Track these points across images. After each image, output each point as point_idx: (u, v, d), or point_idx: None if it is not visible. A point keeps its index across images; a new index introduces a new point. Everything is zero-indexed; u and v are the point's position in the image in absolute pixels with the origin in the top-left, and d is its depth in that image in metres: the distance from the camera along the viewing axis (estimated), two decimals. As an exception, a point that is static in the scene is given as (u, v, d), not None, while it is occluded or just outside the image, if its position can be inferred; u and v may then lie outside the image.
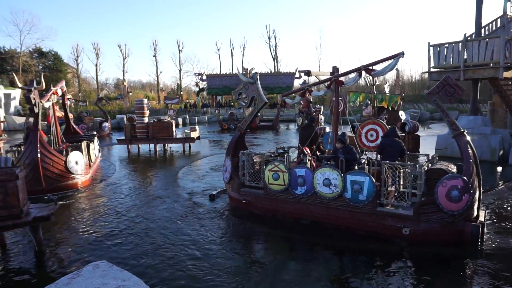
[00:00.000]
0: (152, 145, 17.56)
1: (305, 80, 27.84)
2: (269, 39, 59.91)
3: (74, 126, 15.66)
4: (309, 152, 7.72)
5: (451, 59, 13.61)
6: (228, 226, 7.29)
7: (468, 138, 6.00)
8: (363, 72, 7.47)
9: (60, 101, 14.38)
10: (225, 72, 54.63)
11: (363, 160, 6.73)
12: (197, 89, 49.07)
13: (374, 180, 6.32)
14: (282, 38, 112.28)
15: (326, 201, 6.82)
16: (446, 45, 13.64)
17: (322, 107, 22.21)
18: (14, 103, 38.31)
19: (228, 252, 5.91)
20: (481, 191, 6.23)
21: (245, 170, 8.08)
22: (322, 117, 16.80)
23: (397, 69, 25.61)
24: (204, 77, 42.81)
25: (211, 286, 4.82)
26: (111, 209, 8.35)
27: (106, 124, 26.13)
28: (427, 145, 14.63)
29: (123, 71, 58.21)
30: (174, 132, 17.29)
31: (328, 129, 12.91)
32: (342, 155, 6.83)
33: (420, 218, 5.90)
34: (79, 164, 10.39)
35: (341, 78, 7.99)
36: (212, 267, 5.35)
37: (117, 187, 10.50)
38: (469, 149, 5.91)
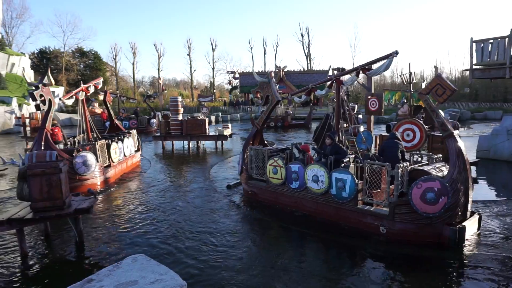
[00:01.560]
0: (185, 142, 17.92)
1: (356, 77, 27.23)
2: (302, 36, 59.44)
3: (117, 123, 15.50)
4: (309, 149, 7.99)
5: (496, 56, 12.87)
6: (244, 218, 7.46)
7: (459, 140, 5.90)
8: (359, 72, 7.61)
9: (104, 97, 14.80)
10: (257, 70, 54.78)
11: (348, 159, 6.78)
12: (229, 87, 49.55)
13: (356, 178, 6.49)
14: (316, 36, 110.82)
15: (315, 196, 7.23)
16: (491, 41, 12.89)
17: (356, 106, 21.69)
18: (57, 100, 40.30)
19: (254, 251, 5.94)
20: (470, 195, 5.98)
21: (252, 163, 8.66)
22: (361, 116, 16.38)
23: (435, 66, 24.55)
24: (237, 75, 43.17)
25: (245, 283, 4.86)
26: (145, 203, 8.61)
27: (154, 121, 26.96)
28: (469, 147, 13.95)
29: (158, 69, 59.83)
30: (207, 130, 17.55)
31: (362, 128, 12.61)
32: (329, 152, 7.20)
33: (395, 218, 5.97)
34: (89, 165, 9.63)
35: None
36: (242, 267, 5.39)
37: (151, 182, 10.81)
38: (458, 152, 5.79)
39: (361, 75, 8.10)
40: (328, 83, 8.69)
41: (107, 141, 11.21)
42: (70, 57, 52.07)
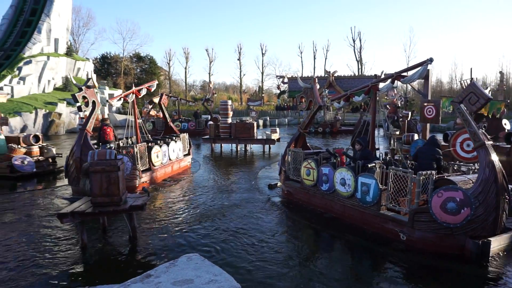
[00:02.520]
0: (234, 145, 18.22)
1: (391, 84, 26.19)
2: (354, 41, 58.08)
3: (171, 125, 15.24)
4: (342, 154, 8.22)
5: None
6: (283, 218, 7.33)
7: (492, 151, 5.66)
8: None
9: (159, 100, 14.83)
10: (306, 75, 54.42)
11: (373, 164, 6.82)
12: (278, 91, 49.66)
13: (380, 184, 6.54)
14: (368, 40, 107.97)
15: (342, 199, 7.41)
16: None
17: (410, 113, 20.75)
18: (114, 103, 42.90)
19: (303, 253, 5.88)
20: (505, 209, 5.66)
21: (290, 165, 9.06)
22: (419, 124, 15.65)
23: (501, 72, 22.76)
24: (286, 80, 43.14)
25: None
26: (192, 202, 8.86)
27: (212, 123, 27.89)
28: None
29: (209, 73, 61.49)
30: (255, 133, 17.71)
31: (416, 137, 12.03)
32: (358, 156, 7.31)
33: (414, 225, 5.90)
34: (125, 168, 8.98)
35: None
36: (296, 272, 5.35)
37: (199, 183, 11.12)
38: (488, 163, 5.55)
39: (415, 82, 7.88)
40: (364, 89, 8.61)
41: (149, 144, 10.96)
42: (128, 61, 55.27)
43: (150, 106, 29.83)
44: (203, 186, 10.64)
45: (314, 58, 62.57)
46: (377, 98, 8.52)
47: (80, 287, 3.81)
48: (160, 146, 11.38)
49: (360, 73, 54.46)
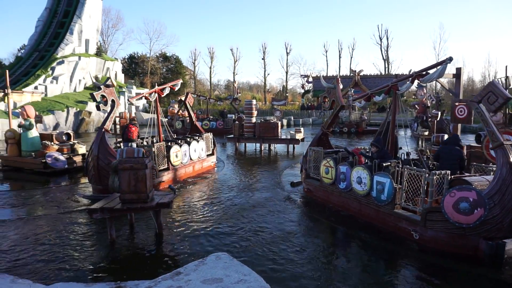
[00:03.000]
0: (258, 144, 18.24)
1: (420, 84, 25.40)
2: (381, 39, 56.83)
3: (197, 124, 14.92)
4: (359, 155, 8.22)
5: None
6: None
7: (510, 152, 5.53)
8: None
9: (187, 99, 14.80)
10: (331, 74, 53.79)
11: (389, 163, 6.95)
12: (302, 91, 49.32)
13: (395, 183, 6.60)
14: (395, 38, 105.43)
15: (359, 198, 7.51)
16: None
17: (440, 113, 20.11)
18: (143, 101, 43.88)
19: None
20: None
21: (311, 163, 9.30)
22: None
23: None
24: (310, 79, 42.77)
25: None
26: (218, 201, 8.93)
27: None
28: None
29: (233, 73, 61.85)
30: (280, 133, 17.66)
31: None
32: (375, 156, 7.38)
33: (427, 224, 5.91)
34: None
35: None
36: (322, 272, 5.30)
37: (223, 181, 11.20)
38: (505, 164, 5.43)
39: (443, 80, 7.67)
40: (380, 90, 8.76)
41: (168, 144, 10.90)
42: (155, 61, 56.36)
43: (176, 105, 30.28)
44: (226, 185, 10.71)
45: (340, 57, 61.79)
46: (399, 97, 8.43)
47: (109, 282, 3.90)
48: (180, 146, 11.29)
49: (387, 72, 53.26)
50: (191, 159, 11.90)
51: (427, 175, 6.01)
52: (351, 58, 61.43)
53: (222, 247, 6.09)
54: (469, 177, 6.07)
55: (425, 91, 22.20)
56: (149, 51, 57.39)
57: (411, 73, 10.52)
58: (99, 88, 9.23)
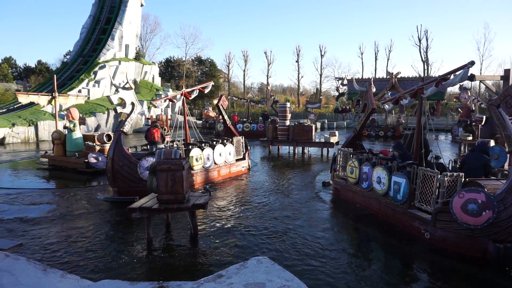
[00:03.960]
0: (291, 147, 18.13)
1: (464, 86, 24.22)
2: (420, 40, 54.88)
3: (231, 127, 14.66)
4: (379, 157, 8.36)
5: None
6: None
7: None
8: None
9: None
10: (367, 76, 52.59)
11: (405, 163, 7.16)
12: (336, 93, 48.57)
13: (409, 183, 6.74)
14: (436, 39, 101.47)
15: (378, 197, 7.70)
16: None
17: (484, 117, 19.09)
18: (178, 104, 44.94)
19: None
20: None
21: (339, 163, 9.70)
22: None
23: None
24: (345, 82, 42.04)
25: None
26: (251, 203, 8.93)
27: None
28: None
29: (267, 75, 61.98)
30: (314, 136, 17.47)
31: (492, 143, 10.99)
32: (399, 160, 7.56)
33: (437, 224, 6.03)
34: None
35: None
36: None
37: (257, 184, 11.19)
38: None
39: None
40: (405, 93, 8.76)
41: (189, 147, 10.64)
42: (190, 65, 57.67)
43: (211, 108, 30.75)
44: (259, 187, 10.71)
45: (376, 59, 60.36)
46: (424, 101, 8.30)
47: (152, 281, 3.98)
48: (202, 150, 10.90)
49: (426, 74, 51.33)
50: (215, 163, 11.36)
51: (439, 176, 6.07)
52: (387, 60, 59.76)
53: (257, 251, 6.07)
54: (484, 181, 6.16)
55: (469, 93, 21.18)
56: (184, 55, 58.80)
57: (452, 75, 10.13)
58: (117, 91, 9.43)
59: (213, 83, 14.57)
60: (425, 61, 54.85)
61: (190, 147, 10.78)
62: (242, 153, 12.98)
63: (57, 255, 5.86)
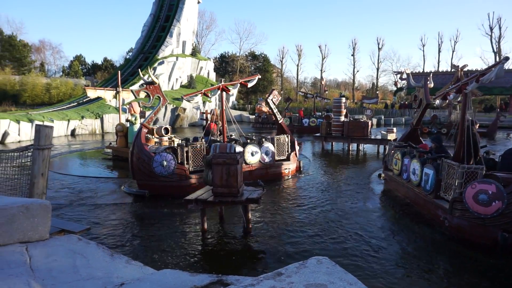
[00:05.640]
0: (345, 144, 17.65)
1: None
2: (491, 29, 50.44)
3: (282, 125, 13.01)
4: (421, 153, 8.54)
5: None
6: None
7: None
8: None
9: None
10: (429, 69, 49.55)
11: (435, 156, 7.62)
12: (394, 88, 46.41)
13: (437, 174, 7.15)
14: (510, 27, 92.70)
15: (414, 187, 8.14)
16: None
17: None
18: (232, 99, 45.79)
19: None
20: None
21: (389, 156, 10.15)
22: None
23: None
24: (404, 76, 39.99)
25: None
26: (305, 200, 8.81)
27: None
28: None
29: (321, 70, 60.88)
30: (369, 133, 16.85)
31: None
32: (433, 152, 8.03)
33: (453, 212, 6.34)
34: (167, 166, 8.93)
35: None
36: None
37: (309, 181, 11.01)
38: None
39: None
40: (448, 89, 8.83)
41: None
42: (244, 60, 58.36)
43: (263, 103, 30.88)
44: (311, 185, 10.52)
45: (439, 51, 56.63)
46: (468, 96, 8.24)
47: (211, 274, 4.09)
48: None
49: (497, 67, 47.10)
50: (246, 163, 10.25)
51: (458, 168, 6.39)
52: (452, 52, 55.88)
53: (312, 250, 5.97)
54: (506, 174, 6.34)
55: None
56: (239, 50, 59.68)
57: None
58: (143, 86, 9.39)
59: (260, 77, 14.09)
60: (497, 52, 50.31)
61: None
62: (287, 153, 11.83)
63: (119, 241, 6.24)
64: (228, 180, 6.39)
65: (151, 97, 9.36)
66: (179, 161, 9.24)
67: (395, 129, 17.48)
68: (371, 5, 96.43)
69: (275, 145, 11.46)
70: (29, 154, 4.32)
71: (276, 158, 11.43)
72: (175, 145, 10.10)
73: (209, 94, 11.09)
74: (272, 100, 12.73)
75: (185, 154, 9.30)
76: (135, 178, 9.32)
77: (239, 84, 12.66)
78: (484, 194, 5.79)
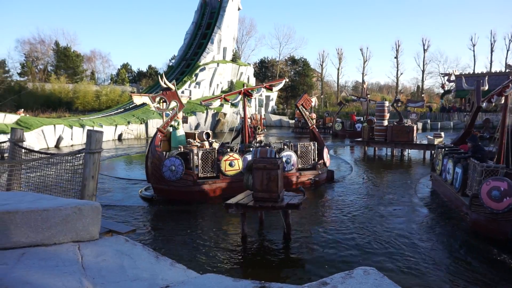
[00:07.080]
0: (388, 149, 17.04)
1: None
2: (550, 27, 46.69)
3: (314, 131, 11.95)
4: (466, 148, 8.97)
5: None
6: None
7: None
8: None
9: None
10: (480, 71, 46.77)
11: (466, 156, 7.90)
12: (441, 91, 44.27)
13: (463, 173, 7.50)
14: None
15: (449, 186, 8.48)
16: None
17: None
18: (271, 104, 45.91)
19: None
20: None
21: (436, 158, 10.25)
22: None
23: None
24: (453, 78, 38.01)
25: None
26: (346, 208, 8.57)
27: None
28: None
29: (362, 73, 59.46)
30: (415, 137, 16.15)
31: None
32: (470, 152, 8.17)
33: (472, 208, 6.63)
34: (176, 171, 8.91)
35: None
36: None
37: (351, 187, 10.73)
38: None
39: None
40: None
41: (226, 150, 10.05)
42: (283, 65, 58.38)
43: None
44: (353, 191, 10.23)
45: (491, 51, 53.23)
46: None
47: (254, 280, 4.09)
48: (243, 154, 9.95)
49: (558, 67, 43.48)
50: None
51: (479, 167, 6.73)
52: (507, 51, 52.24)
53: (356, 257, 5.80)
54: None
55: None
56: (278, 55, 59.79)
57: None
58: (163, 90, 9.46)
59: (287, 80, 13.83)
60: (559, 51, 46.51)
61: (229, 150, 10.25)
62: (312, 162, 10.91)
63: (162, 244, 6.42)
64: (268, 185, 6.37)
65: (168, 103, 9.48)
66: (190, 167, 9.36)
67: (442, 134, 16.62)
68: (415, 4, 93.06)
69: (299, 152, 10.67)
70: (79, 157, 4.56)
71: (299, 166, 10.63)
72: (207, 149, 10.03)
73: (229, 99, 11.00)
74: (302, 104, 11.67)
75: (194, 159, 9.42)
76: (149, 182, 9.54)
77: (278, 91, 12.62)
78: (496, 191, 6.11)
